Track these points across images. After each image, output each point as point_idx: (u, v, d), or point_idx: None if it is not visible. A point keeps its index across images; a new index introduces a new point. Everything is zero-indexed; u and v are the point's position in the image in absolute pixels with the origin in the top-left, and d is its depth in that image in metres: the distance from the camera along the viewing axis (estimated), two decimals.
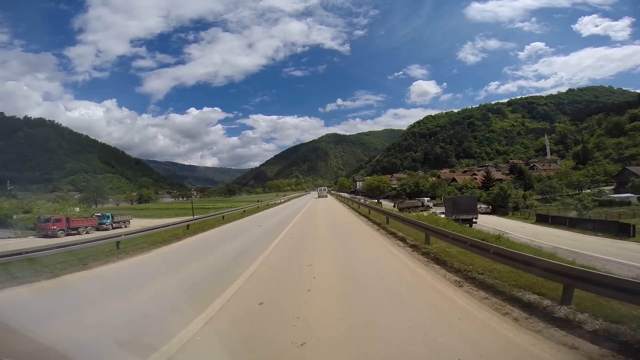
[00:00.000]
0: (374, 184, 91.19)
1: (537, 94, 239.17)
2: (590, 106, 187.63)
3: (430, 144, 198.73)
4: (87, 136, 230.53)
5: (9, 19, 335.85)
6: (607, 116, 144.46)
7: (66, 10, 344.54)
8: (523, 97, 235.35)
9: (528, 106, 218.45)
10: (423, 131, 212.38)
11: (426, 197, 54.77)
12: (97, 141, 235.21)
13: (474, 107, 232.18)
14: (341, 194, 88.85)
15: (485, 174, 64.30)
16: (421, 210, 41.74)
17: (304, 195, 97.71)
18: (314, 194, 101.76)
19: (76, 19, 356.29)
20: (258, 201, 54.95)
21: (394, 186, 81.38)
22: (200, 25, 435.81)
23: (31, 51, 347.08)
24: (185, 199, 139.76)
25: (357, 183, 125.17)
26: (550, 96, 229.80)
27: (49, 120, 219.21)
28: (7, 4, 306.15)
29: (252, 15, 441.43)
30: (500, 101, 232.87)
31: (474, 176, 72.43)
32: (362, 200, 40.00)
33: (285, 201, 53.43)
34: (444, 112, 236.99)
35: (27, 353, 3.39)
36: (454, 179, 68.68)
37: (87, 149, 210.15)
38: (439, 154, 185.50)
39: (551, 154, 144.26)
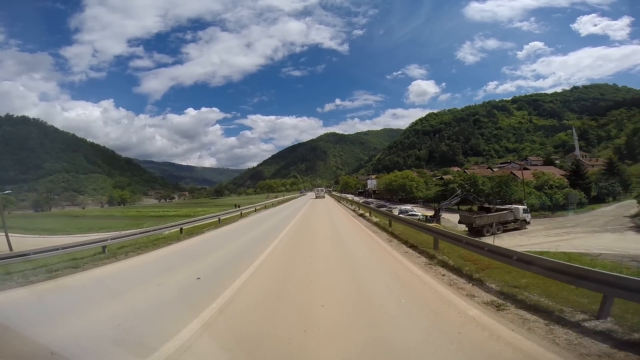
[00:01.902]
0: (396, 183, 65.94)
1: (542, 92, 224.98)
2: (598, 103, 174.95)
3: (434, 142, 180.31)
4: (73, 135, 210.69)
5: (4, 18, 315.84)
6: (629, 111, 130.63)
7: (62, 10, 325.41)
8: (527, 94, 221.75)
9: (533, 103, 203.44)
10: (426, 128, 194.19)
11: (483, 201, 33.54)
12: (86, 140, 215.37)
13: (477, 104, 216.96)
14: (347, 196, 66.60)
15: (574, 166, 44.57)
16: (513, 228, 22.76)
17: (298, 197, 77.65)
18: (312, 194, 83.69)
19: (72, 18, 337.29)
20: (236, 206, 39.90)
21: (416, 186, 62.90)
22: (198, 24, 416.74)
23: (27, 51, 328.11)
24: (169, 200, 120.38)
25: (370, 182, 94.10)
26: (555, 94, 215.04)
27: (33, 119, 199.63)
28: (3, 3, 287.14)
29: (250, 14, 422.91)
30: (504, 99, 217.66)
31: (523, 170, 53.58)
32: (395, 212, 21.28)
33: (266, 207, 34.83)
34: (446, 109, 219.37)
35: (27, 354, 3.18)
36: (512, 175, 48.15)
37: (72, 148, 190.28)
38: (445, 152, 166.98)
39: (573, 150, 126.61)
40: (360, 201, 41.01)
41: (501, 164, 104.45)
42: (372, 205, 32.80)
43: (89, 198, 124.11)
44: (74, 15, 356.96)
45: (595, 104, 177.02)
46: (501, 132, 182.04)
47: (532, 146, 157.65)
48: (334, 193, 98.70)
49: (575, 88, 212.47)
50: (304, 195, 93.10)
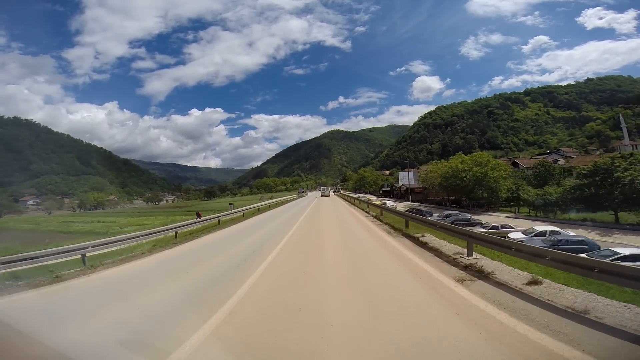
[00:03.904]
0: (468, 175, 37.72)
1: (556, 84, 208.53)
2: (616, 95, 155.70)
3: (447, 135, 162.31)
4: (69, 136, 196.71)
5: (5, 21, 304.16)
6: None
7: (62, 12, 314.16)
8: (541, 87, 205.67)
9: (548, 95, 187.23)
10: (437, 122, 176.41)
11: None
12: (82, 141, 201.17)
13: (489, 96, 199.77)
14: (368, 197, 41.91)
15: None
16: None
17: (296, 199, 53.78)
18: (316, 193, 65.27)
19: (73, 20, 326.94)
20: (197, 215, 28.10)
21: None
22: (199, 24, 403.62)
23: (29, 54, 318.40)
24: (156, 202, 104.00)
25: (405, 175, 62.51)
26: (569, 85, 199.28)
27: (26, 120, 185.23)
28: (3, 6, 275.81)
29: (251, 13, 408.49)
30: (516, 91, 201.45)
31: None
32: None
33: (220, 223, 18.28)
34: (456, 102, 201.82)
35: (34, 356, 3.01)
36: None
37: (65, 149, 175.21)
38: (460, 145, 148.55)
39: (611, 140, 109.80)
40: (400, 208, 23.41)
41: (538, 154, 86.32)
42: (447, 220, 15.08)
43: (74, 201, 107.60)
44: (74, 17, 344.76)
45: (613, 96, 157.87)
46: (518, 125, 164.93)
47: (558, 137, 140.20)
48: (343, 193, 72.09)
49: (589, 80, 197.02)
50: (303, 196, 65.29)
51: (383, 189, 75.73)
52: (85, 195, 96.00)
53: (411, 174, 61.76)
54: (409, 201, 49.94)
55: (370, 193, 71.16)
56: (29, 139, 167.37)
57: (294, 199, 52.18)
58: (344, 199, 45.44)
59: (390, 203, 32.05)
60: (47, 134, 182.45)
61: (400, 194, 60.86)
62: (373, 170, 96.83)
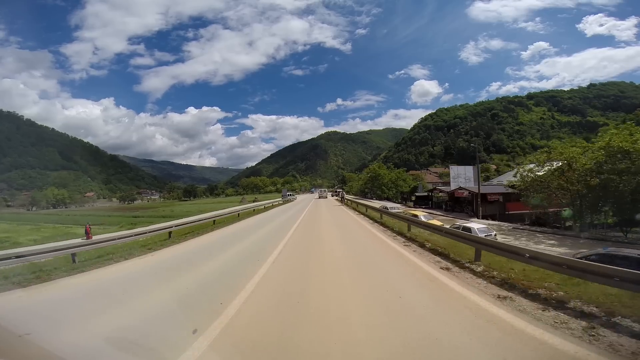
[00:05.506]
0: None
1: (559, 89, 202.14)
2: (621, 100, 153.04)
3: (450, 137, 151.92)
4: (53, 129, 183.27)
5: (5, 15, 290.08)
6: None
7: (63, 7, 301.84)
8: (544, 91, 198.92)
9: (551, 100, 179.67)
10: (439, 124, 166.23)
11: None
12: (67, 135, 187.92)
13: (491, 99, 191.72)
14: (417, 213, 20.63)
15: None
16: None
17: (276, 205, 35.39)
18: (307, 198, 51.62)
19: (73, 15, 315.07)
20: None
21: None
22: (199, 22, 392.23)
23: (27, 48, 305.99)
24: (129, 202, 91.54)
25: (464, 172, 38.87)
26: (572, 90, 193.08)
27: (7, 112, 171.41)
28: (3, 0, 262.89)
29: (252, 12, 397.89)
30: (518, 94, 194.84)
31: None
32: None
33: None
34: (458, 105, 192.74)
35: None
36: None
37: (46, 143, 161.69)
38: (464, 148, 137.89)
39: None
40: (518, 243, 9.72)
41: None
42: None
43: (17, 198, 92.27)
44: (75, 12, 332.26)
45: (617, 101, 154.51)
46: (524, 128, 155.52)
47: (568, 142, 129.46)
48: (349, 198, 43.11)
49: (592, 85, 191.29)
50: (290, 200, 45.18)
51: (416, 193, 49.11)
52: (39, 193, 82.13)
53: (470, 169, 38.40)
54: (478, 217, 28.56)
55: (387, 199, 48.58)
56: (7, 132, 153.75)
57: (266, 208, 31.85)
58: (362, 214, 21.46)
59: (483, 230, 14.35)
60: (28, 127, 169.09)
61: (451, 204, 37.40)
62: (392, 167, 67.54)
